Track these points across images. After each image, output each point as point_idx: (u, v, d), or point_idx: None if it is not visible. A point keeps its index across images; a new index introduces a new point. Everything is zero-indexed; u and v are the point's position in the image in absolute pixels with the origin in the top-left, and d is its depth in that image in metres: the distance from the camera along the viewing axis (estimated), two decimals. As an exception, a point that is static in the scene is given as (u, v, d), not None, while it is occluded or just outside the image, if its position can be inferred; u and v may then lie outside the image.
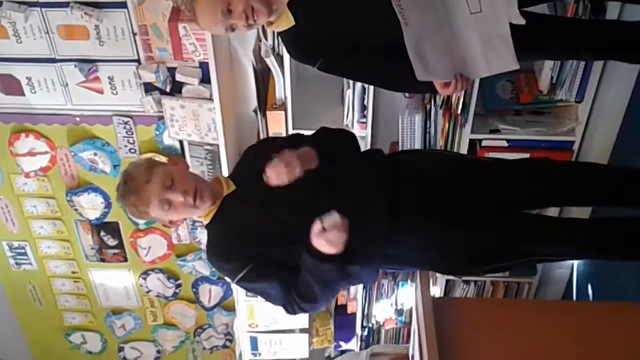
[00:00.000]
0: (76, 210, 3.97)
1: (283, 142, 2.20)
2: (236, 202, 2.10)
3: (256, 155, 2.20)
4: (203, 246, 4.07)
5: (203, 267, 4.20)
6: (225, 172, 3.26)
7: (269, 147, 2.14)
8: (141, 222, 3.98)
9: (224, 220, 2.10)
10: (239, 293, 3.82)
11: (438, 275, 3.80)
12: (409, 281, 3.92)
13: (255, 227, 2.05)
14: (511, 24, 2.03)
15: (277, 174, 1.99)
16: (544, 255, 2.24)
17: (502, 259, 2.16)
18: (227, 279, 2.23)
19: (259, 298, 3.66)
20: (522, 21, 2.02)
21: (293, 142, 2.16)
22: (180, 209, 2.03)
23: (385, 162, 2.21)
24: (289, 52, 2.34)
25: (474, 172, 2.22)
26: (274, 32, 2.89)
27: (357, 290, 3.91)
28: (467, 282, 3.89)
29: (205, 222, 2.14)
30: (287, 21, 2.17)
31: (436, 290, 3.80)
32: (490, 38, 2.06)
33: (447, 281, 3.88)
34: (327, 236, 1.85)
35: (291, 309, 2.11)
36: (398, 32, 2.06)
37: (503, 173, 2.23)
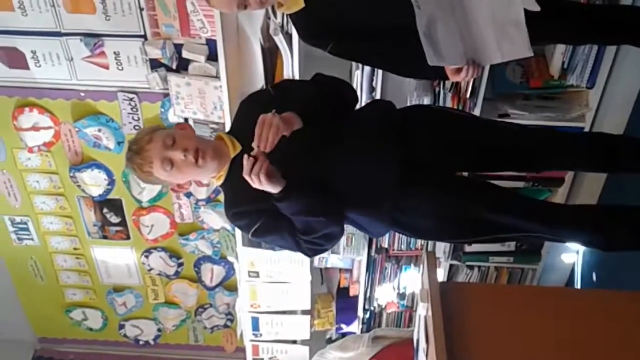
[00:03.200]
0: (79, 186, 3.96)
1: (268, 96, 2.23)
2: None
3: (253, 109, 2.19)
4: (206, 225, 4.07)
5: (205, 247, 4.19)
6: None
7: (263, 102, 2.17)
8: (145, 199, 3.97)
9: (233, 181, 2.14)
10: (241, 273, 3.82)
11: (442, 259, 3.80)
12: (412, 265, 3.92)
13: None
14: (525, 10, 2.00)
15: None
16: (545, 234, 2.24)
17: (502, 230, 2.18)
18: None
19: (261, 278, 3.74)
20: (537, 8, 1.98)
21: (285, 93, 2.18)
22: (183, 168, 2.04)
23: (397, 118, 2.22)
24: (299, 34, 2.33)
25: (488, 136, 2.23)
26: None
27: (360, 272, 3.91)
28: (470, 267, 3.89)
29: (218, 183, 2.18)
30: (297, 3, 2.16)
31: (440, 275, 3.79)
32: (503, 24, 2.03)
33: (451, 266, 3.88)
34: (250, 178, 1.91)
35: (308, 250, 2.18)
36: (410, 16, 2.03)
37: (523, 139, 2.25)
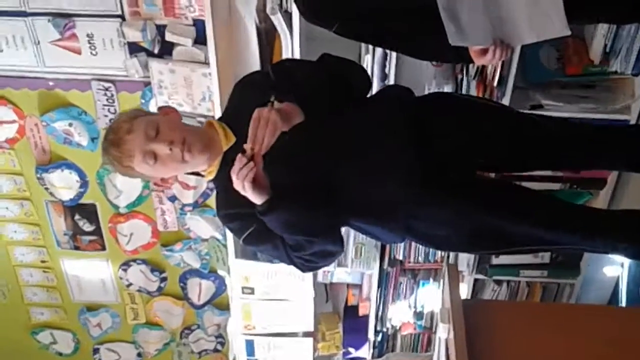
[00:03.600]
0: (47, 189, 3.98)
1: (267, 78, 2.20)
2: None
3: (249, 93, 2.18)
4: (193, 234, 4.08)
5: (193, 259, 4.21)
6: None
7: (261, 85, 2.16)
8: (122, 204, 3.99)
9: (226, 179, 2.09)
10: (233, 289, 3.83)
11: (465, 272, 3.80)
12: (431, 279, 3.93)
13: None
14: None
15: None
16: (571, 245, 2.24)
17: (534, 242, 2.19)
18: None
19: (257, 295, 3.75)
20: None
21: (286, 76, 2.16)
22: (168, 163, 2.03)
23: (415, 108, 2.20)
24: (301, 13, 2.32)
25: (519, 130, 2.23)
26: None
27: (371, 288, 3.92)
28: (498, 282, 3.89)
29: (209, 178, 2.18)
30: None
31: (463, 290, 3.80)
32: (537, -2, 2.04)
33: (476, 280, 3.88)
34: (236, 180, 1.89)
35: (301, 266, 2.19)
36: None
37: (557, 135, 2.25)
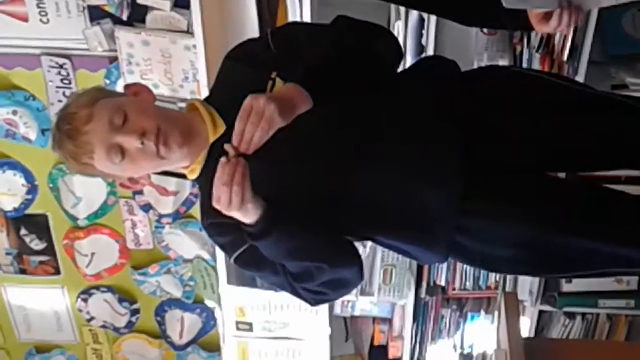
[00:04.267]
0: (-16, 196, 4.00)
1: (266, 49, 2.18)
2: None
3: (243, 70, 2.15)
4: (172, 254, 4.09)
5: (172, 285, 4.22)
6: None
7: (258, 58, 2.14)
8: (82, 214, 4.00)
9: (213, 178, 2.07)
10: (226, 325, 3.84)
11: (527, 302, 3.80)
12: (481, 312, 3.92)
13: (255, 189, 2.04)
14: None
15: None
16: None
17: (618, 263, 2.16)
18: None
19: (256, 332, 3.76)
20: None
21: (290, 47, 2.15)
22: (139, 159, 2.01)
23: (461, 88, 2.19)
24: None
25: (598, 116, 2.20)
26: None
27: (404, 324, 3.92)
28: (570, 315, 3.89)
29: (191, 177, 2.15)
30: None
31: (525, 326, 3.79)
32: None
33: (542, 313, 3.88)
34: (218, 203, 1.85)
35: (308, 298, 2.18)
36: None
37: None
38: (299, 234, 2.00)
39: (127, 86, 2.21)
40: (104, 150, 1.98)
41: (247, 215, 1.90)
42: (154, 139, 1.98)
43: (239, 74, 2.13)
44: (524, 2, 2.07)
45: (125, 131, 1.98)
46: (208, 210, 2.15)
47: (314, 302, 2.21)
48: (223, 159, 1.81)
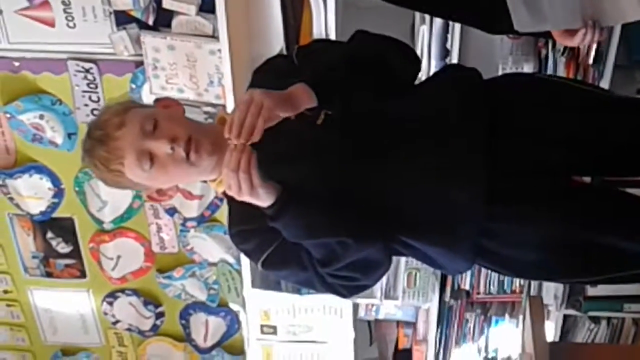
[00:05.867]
0: (11, 199, 4.02)
1: (291, 64, 2.21)
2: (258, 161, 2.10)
3: (271, 82, 2.14)
4: (196, 257, 4.10)
5: (197, 289, 4.23)
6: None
7: (285, 72, 2.14)
8: (107, 218, 4.02)
9: None
10: (250, 328, 3.84)
11: (552, 306, 3.78)
12: (506, 316, 3.91)
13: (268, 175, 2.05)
14: None
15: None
16: None
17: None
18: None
19: (280, 336, 3.76)
20: None
21: (312, 59, 2.16)
22: (169, 166, 2.03)
23: (484, 96, 2.18)
24: None
25: (624, 121, 2.19)
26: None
27: (428, 328, 3.92)
28: (595, 320, 3.87)
29: (220, 190, 2.16)
30: None
31: (550, 330, 3.78)
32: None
33: (566, 317, 3.86)
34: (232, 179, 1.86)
35: (340, 288, 2.17)
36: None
37: None
38: (317, 209, 2.01)
39: (157, 100, 2.25)
40: (134, 156, 2.00)
41: (261, 199, 1.92)
42: (184, 145, 2.00)
43: (267, 87, 2.14)
44: (542, 23, 2.06)
45: (156, 137, 2.00)
46: (237, 218, 2.19)
47: (347, 292, 2.19)
48: (231, 145, 1.84)
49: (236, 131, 1.82)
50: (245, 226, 2.16)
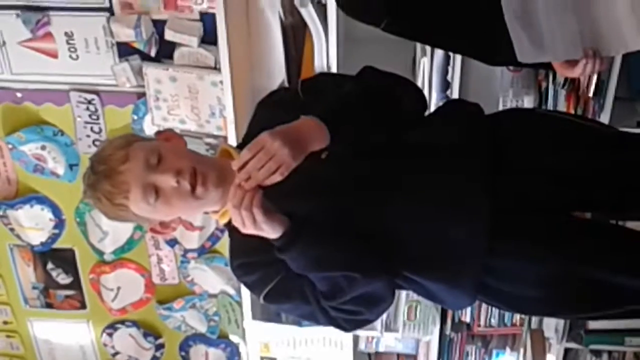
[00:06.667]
0: (12, 230, 4.02)
1: (296, 98, 2.20)
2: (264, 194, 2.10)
3: (276, 114, 2.16)
4: (197, 288, 4.09)
5: (197, 321, 4.22)
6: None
7: (289, 105, 2.14)
8: (108, 249, 4.01)
9: None
10: (250, 360, 3.83)
11: (553, 340, 3.77)
12: (507, 349, 3.89)
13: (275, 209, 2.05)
14: None
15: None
16: None
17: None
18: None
19: (281, 369, 3.74)
20: None
21: (317, 94, 2.15)
22: (174, 199, 2.01)
23: (486, 132, 2.18)
24: (340, 5, 2.34)
25: (623, 156, 2.19)
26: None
27: (428, 358, 3.91)
28: (597, 353, 3.85)
29: (222, 222, 2.16)
30: None
31: (551, 364, 3.77)
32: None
33: (567, 351, 3.84)
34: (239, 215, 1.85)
35: (343, 322, 2.16)
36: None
37: None
38: (325, 243, 2.00)
39: (158, 132, 2.24)
40: (139, 190, 1.98)
41: (267, 233, 1.91)
42: (189, 178, 1.99)
43: (270, 120, 2.12)
44: (543, 53, 2.06)
45: (161, 171, 1.99)
46: (239, 250, 2.18)
47: (350, 326, 2.18)
48: (236, 181, 1.83)
49: (245, 176, 1.82)
50: (247, 259, 2.15)
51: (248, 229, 1.87)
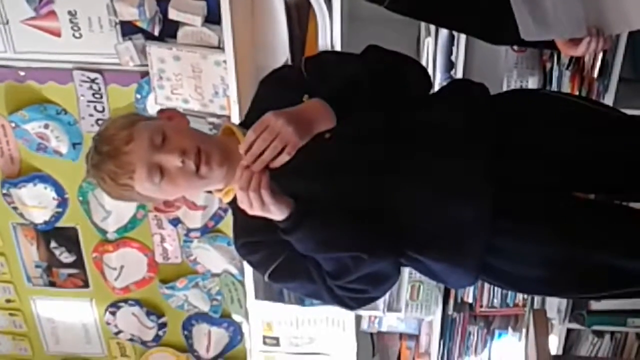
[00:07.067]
0: (15, 209, 4.02)
1: (299, 76, 2.19)
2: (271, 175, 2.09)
3: (279, 92, 2.14)
4: (200, 268, 4.10)
5: (200, 300, 4.22)
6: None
7: (293, 83, 2.15)
8: (111, 228, 4.02)
9: None
10: (252, 340, 3.83)
11: (555, 320, 3.77)
12: (509, 329, 3.90)
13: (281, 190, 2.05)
14: None
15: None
16: None
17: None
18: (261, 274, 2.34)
19: (283, 347, 3.76)
20: None
21: (321, 72, 2.15)
22: (179, 179, 2.01)
23: (490, 112, 2.18)
24: None
25: (628, 137, 2.20)
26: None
27: (431, 340, 3.91)
28: (598, 334, 3.87)
29: (226, 200, 2.16)
30: None
31: (553, 344, 3.77)
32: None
33: (570, 331, 3.85)
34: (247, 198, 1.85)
35: (348, 300, 2.15)
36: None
37: None
38: (331, 225, 2.00)
39: (160, 111, 2.23)
40: (145, 170, 1.98)
41: (273, 214, 1.90)
42: (194, 157, 1.99)
43: (273, 98, 2.12)
44: (547, 31, 2.06)
45: (166, 150, 1.98)
46: (243, 229, 2.17)
47: (355, 304, 2.18)
48: (243, 162, 1.82)
49: (252, 158, 1.81)
50: (252, 238, 2.15)
51: (255, 211, 1.86)
